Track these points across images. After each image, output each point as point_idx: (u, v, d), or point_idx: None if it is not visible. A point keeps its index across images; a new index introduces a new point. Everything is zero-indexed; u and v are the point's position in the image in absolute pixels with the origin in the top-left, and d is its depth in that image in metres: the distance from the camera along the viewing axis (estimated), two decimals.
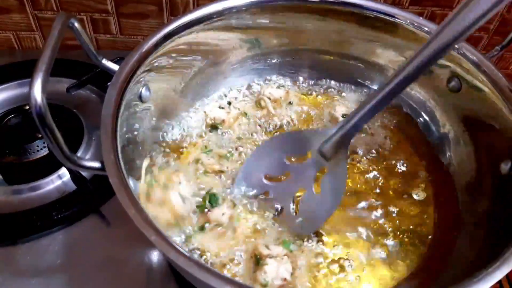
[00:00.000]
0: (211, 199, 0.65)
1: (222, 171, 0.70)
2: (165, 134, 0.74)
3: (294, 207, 0.66)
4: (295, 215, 0.65)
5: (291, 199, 0.66)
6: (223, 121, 0.76)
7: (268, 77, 0.85)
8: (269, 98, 0.80)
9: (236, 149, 0.73)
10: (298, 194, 0.67)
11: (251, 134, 0.76)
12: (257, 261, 0.58)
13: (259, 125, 0.78)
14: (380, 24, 0.73)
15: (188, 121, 0.76)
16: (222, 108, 0.78)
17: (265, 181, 0.68)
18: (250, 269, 0.59)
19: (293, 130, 0.77)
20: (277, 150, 0.69)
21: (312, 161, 0.67)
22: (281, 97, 0.80)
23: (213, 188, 0.67)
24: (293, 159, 0.69)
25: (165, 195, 0.61)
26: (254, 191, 0.67)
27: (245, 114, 0.79)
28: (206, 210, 0.64)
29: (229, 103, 0.79)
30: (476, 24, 0.48)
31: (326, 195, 0.65)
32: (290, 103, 0.81)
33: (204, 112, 0.77)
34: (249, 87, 0.84)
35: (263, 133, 0.77)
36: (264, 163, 0.68)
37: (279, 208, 0.66)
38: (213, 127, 0.76)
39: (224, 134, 0.76)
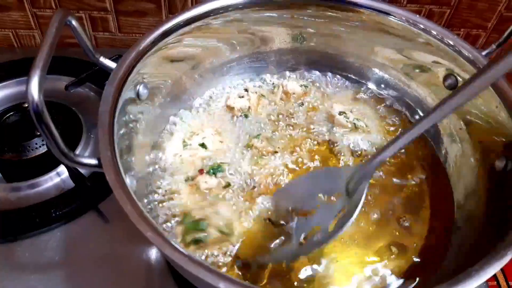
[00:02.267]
0: (214, 168, 0.69)
1: (276, 152, 0.73)
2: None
3: (303, 239, 0.63)
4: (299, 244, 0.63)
5: (303, 233, 0.64)
6: (249, 108, 0.79)
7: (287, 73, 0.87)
8: (289, 92, 0.83)
9: (273, 131, 0.77)
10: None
11: (278, 112, 0.80)
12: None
13: (280, 103, 0.82)
14: (377, 22, 0.73)
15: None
16: (242, 97, 0.80)
17: (292, 214, 0.66)
18: None
19: (330, 167, 0.73)
20: (312, 185, 0.66)
21: (338, 200, 0.63)
22: (294, 93, 0.82)
23: (229, 164, 0.71)
24: (324, 197, 0.65)
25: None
26: (277, 218, 0.66)
27: (263, 95, 0.82)
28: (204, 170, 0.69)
29: (246, 90, 0.82)
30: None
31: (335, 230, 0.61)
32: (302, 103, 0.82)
33: (229, 105, 0.79)
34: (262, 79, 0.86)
35: (284, 108, 0.81)
36: (296, 195, 0.67)
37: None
38: (245, 116, 0.78)
39: (253, 119, 0.78)
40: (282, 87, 0.83)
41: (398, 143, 0.55)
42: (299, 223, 0.65)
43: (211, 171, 0.69)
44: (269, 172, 0.70)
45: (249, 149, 0.73)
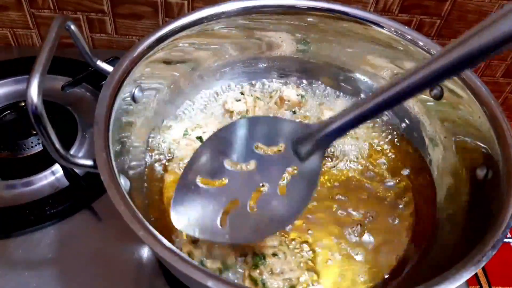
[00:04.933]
0: None
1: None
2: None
3: (251, 202, 0.56)
4: (251, 212, 0.56)
5: (250, 192, 0.57)
6: (247, 111, 0.80)
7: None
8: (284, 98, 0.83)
9: None
10: (259, 189, 0.58)
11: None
12: None
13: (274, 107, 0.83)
14: (368, 31, 0.75)
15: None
16: (239, 100, 0.81)
17: (226, 166, 0.58)
18: None
19: (267, 116, 0.73)
20: (246, 134, 0.59)
21: (283, 156, 0.57)
22: (288, 100, 0.83)
23: None
24: (262, 149, 0.59)
25: None
26: (210, 176, 0.58)
27: (258, 98, 0.83)
28: None
29: (242, 93, 0.83)
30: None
31: (291, 198, 0.56)
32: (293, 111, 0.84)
33: (227, 109, 0.81)
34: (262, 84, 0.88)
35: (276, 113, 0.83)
36: (228, 145, 0.59)
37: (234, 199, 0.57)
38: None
39: None
40: (279, 92, 0.84)
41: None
42: (239, 178, 0.57)
43: None
44: None
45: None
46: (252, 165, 0.59)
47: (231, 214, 0.56)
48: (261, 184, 0.57)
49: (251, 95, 0.83)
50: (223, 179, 0.58)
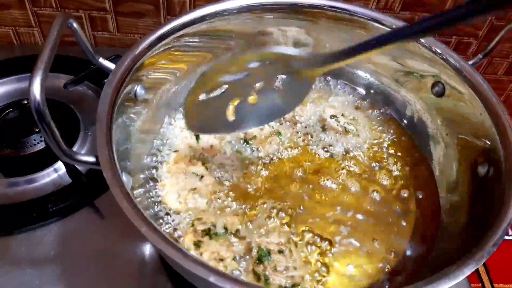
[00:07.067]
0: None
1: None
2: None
3: (252, 97, 0.64)
4: (253, 104, 0.64)
5: (250, 91, 0.64)
6: (255, 137, 0.77)
7: None
8: None
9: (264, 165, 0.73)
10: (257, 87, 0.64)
11: (281, 154, 0.75)
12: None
13: (290, 147, 0.77)
14: (369, 29, 0.75)
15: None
16: None
17: (224, 77, 0.65)
18: None
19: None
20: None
21: (277, 64, 0.62)
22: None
23: None
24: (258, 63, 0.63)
25: None
26: (213, 92, 0.65)
27: (279, 133, 0.78)
28: None
29: None
30: None
31: (287, 93, 0.63)
32: None
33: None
34: None
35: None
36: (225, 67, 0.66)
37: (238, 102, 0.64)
38: (245, 141, 0.76)
39: (254, 150, 0.75)
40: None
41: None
42: (237, 83, 0.63)
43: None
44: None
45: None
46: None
47: (236, 108, 0.63)
48: (257, 84, 0.64)
49: (272, 127, 0.79)
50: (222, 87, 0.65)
